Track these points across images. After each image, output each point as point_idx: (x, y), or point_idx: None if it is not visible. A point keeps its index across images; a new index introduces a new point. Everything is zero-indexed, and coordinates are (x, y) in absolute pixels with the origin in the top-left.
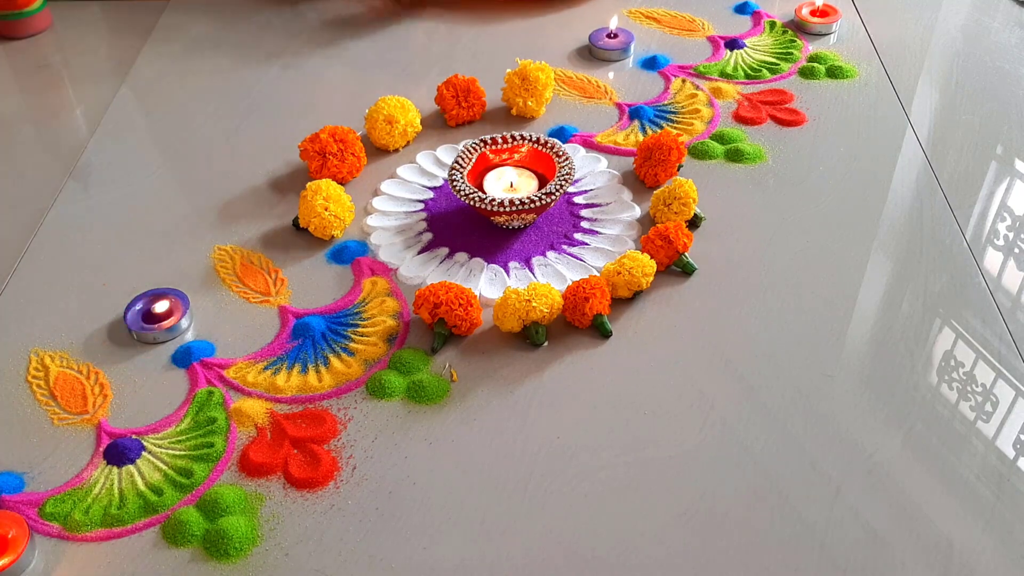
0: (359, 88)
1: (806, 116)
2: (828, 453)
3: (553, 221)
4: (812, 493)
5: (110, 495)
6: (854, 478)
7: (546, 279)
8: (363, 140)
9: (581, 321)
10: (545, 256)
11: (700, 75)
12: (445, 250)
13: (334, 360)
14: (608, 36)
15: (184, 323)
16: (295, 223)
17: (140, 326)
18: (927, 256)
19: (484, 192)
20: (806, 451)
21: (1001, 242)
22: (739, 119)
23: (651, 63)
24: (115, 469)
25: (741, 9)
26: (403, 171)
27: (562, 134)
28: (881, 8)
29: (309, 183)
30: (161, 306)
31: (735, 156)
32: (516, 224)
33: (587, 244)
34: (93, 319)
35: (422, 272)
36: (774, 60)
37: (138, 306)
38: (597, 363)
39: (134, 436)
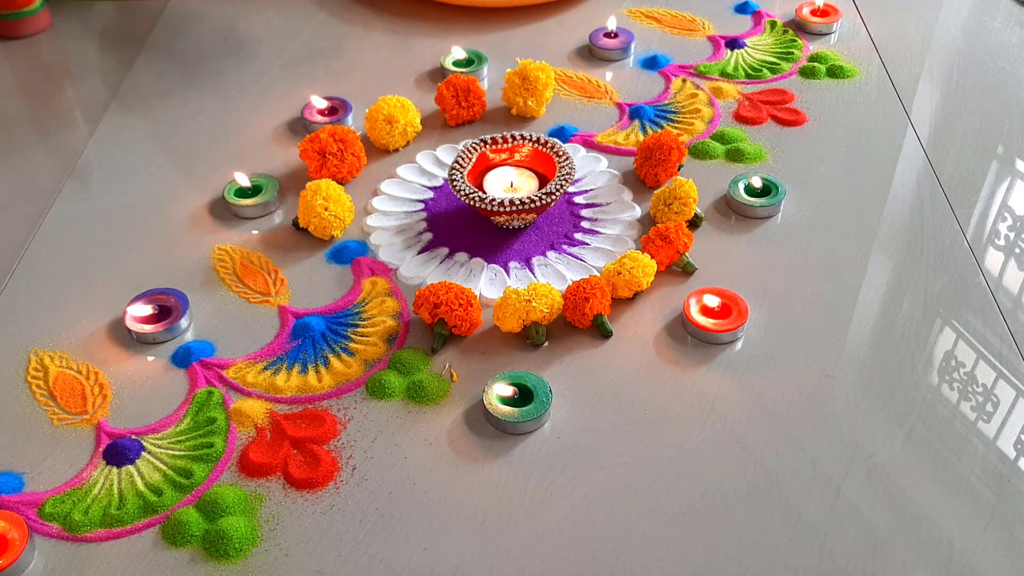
0: (359, 88)
1: (807, 116)
2: (828, 453)
3: (553, 221)
4: (812, 493)
5: (109, 495)
6: (854, 478)
7: (546, 279)
8: (363, 140)
9: (581, 321)
10: (545, 256)
11: (700, 75)
12: (445, 250)
13: (334, 360)
14: (608, 36)
15: (184, 323)
16: (295, 223)
17: (139, 326)
18: (927, 256)
19: (484, 192)
20: (806, 451)
21: (1002, 242)
22: (740, 119)
23: (651, 63)
24: (115, 469)
25: (742, 8)
26: (403, 171)
27: (562, 134)
28: (882, 8)
29: (309, 183)
30: (141, 310)
31: (736, 156)
32: (516, 224)
33: (587, 244)
34: (93, 319)
35: (422, 272)
36: (775, 60)
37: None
38: (597, 363)
39: (134, 436)
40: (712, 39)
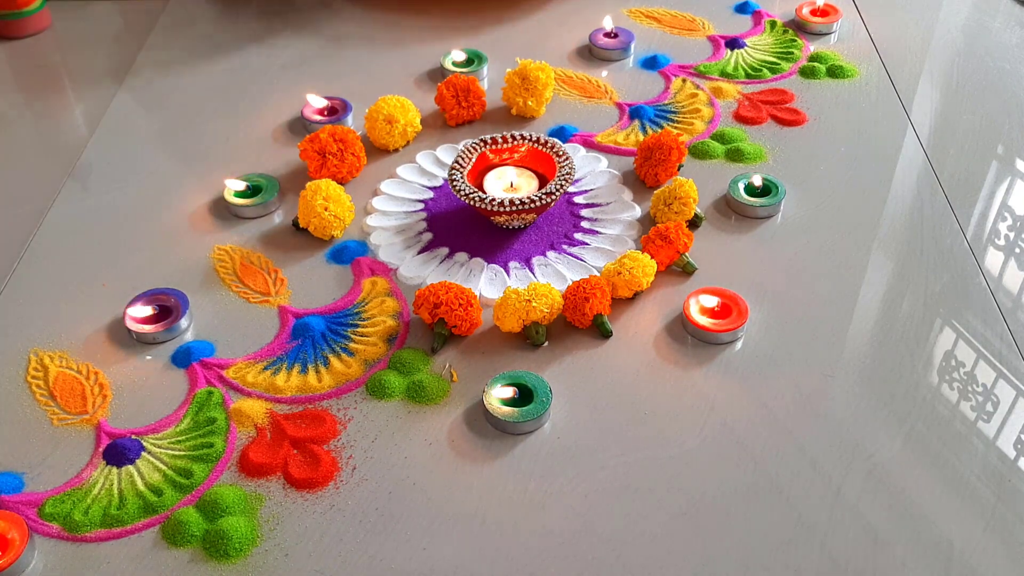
0: (359, 88)
1: (807, 116)
2: (828, 453)
3: (553, 221)
4: (812, 493)
5: (109, 495)
6: (854, 478)
7: (546, 279)
8: (363, 140)
9: (581, 321)
10: (545, 256)
11: (700, 75)
12: (445, 250)
13: (334, 360)
14: (608, 36)
15: (184, 323)
16: (295, 223)
17: (139, 326)
18: (927, 256)
19: (484, 192)
20: (806, 451)
21: (1002, 242)
22: (740, 119)
23: (651, 63)
24: (115, 469)
25: (742, 8)
26: (403, 171)
27: (562, 134)
28: (882, 8)
29: (309, 183)
30: (142, 311)
31: (735, 156)
32: (516, 224)
33: (587, 244)
34: (93, 319)
35: (422, 272)
36: (775, 59)
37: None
38: (597, 363)
39: (134, 436)
40: (712, 39)
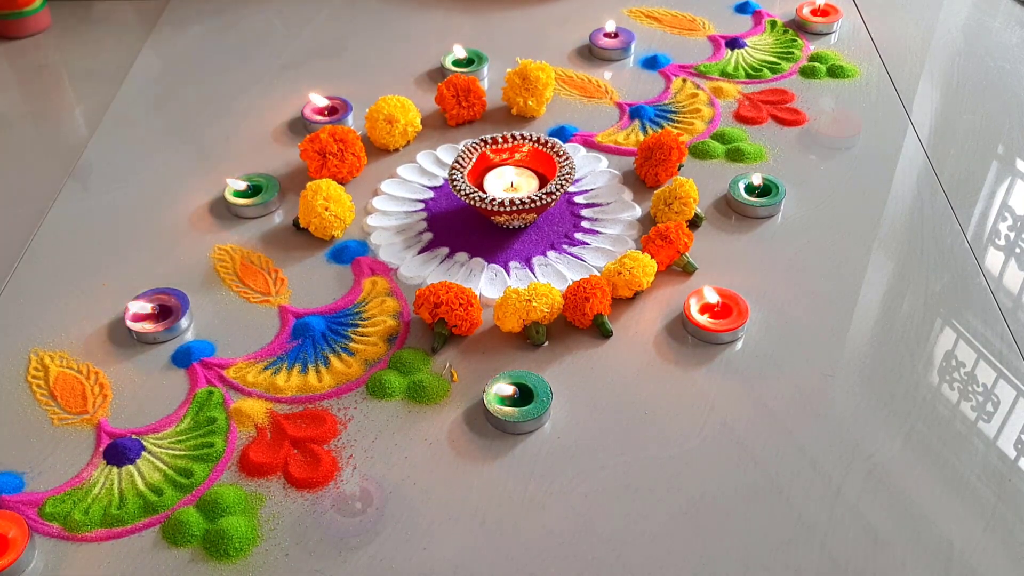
0: (359, 87)
1: (807, 116)
2: (828, 453)
3: (553, 221)
4: (812, 493)
5: (110, 495)
6: (854, 478)
7: (546, 279)
8: (363, 140)
9: (581, 321)
10: (545, 256)
11: (701, 74)
12: (445, 250)
13: (334, 360)
14: (608, 36)
15: (184, 323)
16: (295, 223)
17: (139, 326)
18: (928, 256)
19: (484, 192)
20: (806, 451)
21: (1002, 242)
22: (740, 118)
23: (652, 62)
24: (115, 469)
25: (742, 8)
26: (403, 171)
27: (563, 134)
28: (882, 8)
29: (309, 183)
30: (141, 307)
31: (736, 156)
32: (516, 224)
33: (588, 244)
34: (93, 319)
35: (422, 272)
36: (775, 59)
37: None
38: (597, 363)
39: (134, 436)
40: (712, 39)
